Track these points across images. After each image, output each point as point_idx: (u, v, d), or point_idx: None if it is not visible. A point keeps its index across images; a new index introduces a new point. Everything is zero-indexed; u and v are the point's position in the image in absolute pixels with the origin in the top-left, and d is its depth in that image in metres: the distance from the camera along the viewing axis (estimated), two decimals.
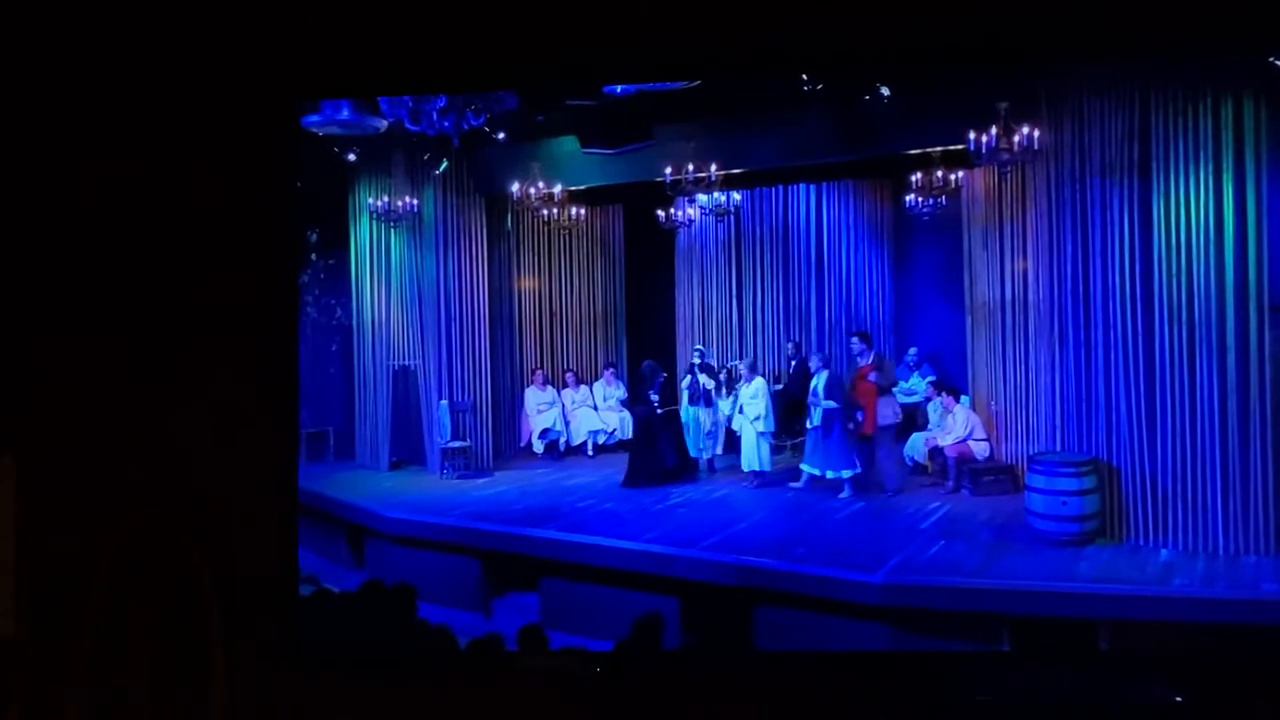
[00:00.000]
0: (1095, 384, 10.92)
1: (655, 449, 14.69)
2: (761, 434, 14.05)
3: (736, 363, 15.88)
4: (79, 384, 8.44)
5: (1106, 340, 10.79)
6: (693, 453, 15.06)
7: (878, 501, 12.86)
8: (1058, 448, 11.48)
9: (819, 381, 13.66)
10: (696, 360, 15.52)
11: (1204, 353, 10.15)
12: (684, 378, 15.23)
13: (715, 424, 15.49)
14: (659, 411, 14.74)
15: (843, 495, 13.30)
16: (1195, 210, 10.16)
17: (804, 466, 14.08)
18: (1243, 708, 7.92)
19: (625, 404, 14.86)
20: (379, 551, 13.36)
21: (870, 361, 13.48)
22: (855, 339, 14.00)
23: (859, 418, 13.59)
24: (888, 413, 13.28)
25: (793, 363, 14.91)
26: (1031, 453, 11.94)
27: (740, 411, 14.39)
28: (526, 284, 17.62)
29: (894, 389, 13.60)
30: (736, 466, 14.57)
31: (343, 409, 17.13)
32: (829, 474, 13.53)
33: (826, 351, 15.80)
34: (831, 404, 13.46)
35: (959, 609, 9.60)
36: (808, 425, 13.85)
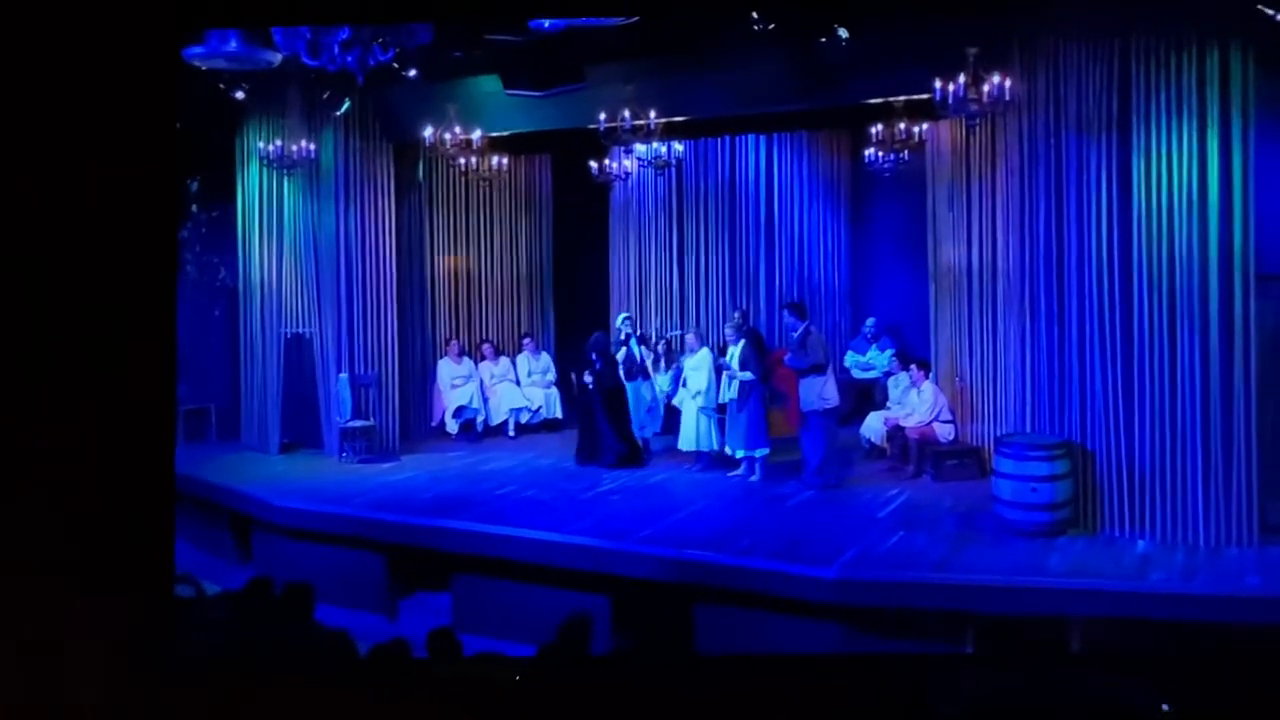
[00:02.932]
0: (1069, 359, 11.18)
1: (615, 424, 14.79)
2: (703, 409, 14.17)
3: (677, 332, 15.97)
4: None
5: (1081, 311, 11.06)
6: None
7: (830, 488, 13.02)
8: (1027, 429, 11.72)
9: (734, 351, 13.73)
10: (628, 330, 15.51)
11: (1185, 325, 10.49)
12: (618, 349, 15.25)
13: (654, 400, 15.51)
14: (601, 386, 14.82)
15: (753, 479, 13.55)
16: (1178, 169, 10.46)
17: (682, 445, 14.37)
18: (1229, 713, 8.01)
19: (578, 376, 14.90)
20: (268, 545, 13.44)
21: (797, 336, 13.39)
22: (787, 310, 13.98)
23: (785, 405, 13.73)
24: (812, 396, 13.12)
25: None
26: (999, 434, 12.12)
27: (683, 385, 14.49)
28: (440, 242, 17.50)
29: (823, 370, 13.28)
30: (676, 447, 14.66)
31: (227, 382, 17.16)
32: (740, 453, 13.74)
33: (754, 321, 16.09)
34: (747, 375, 13.54)
35: (919, 606, 9.87)
36: (722, 399, 14.02)
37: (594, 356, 14.80)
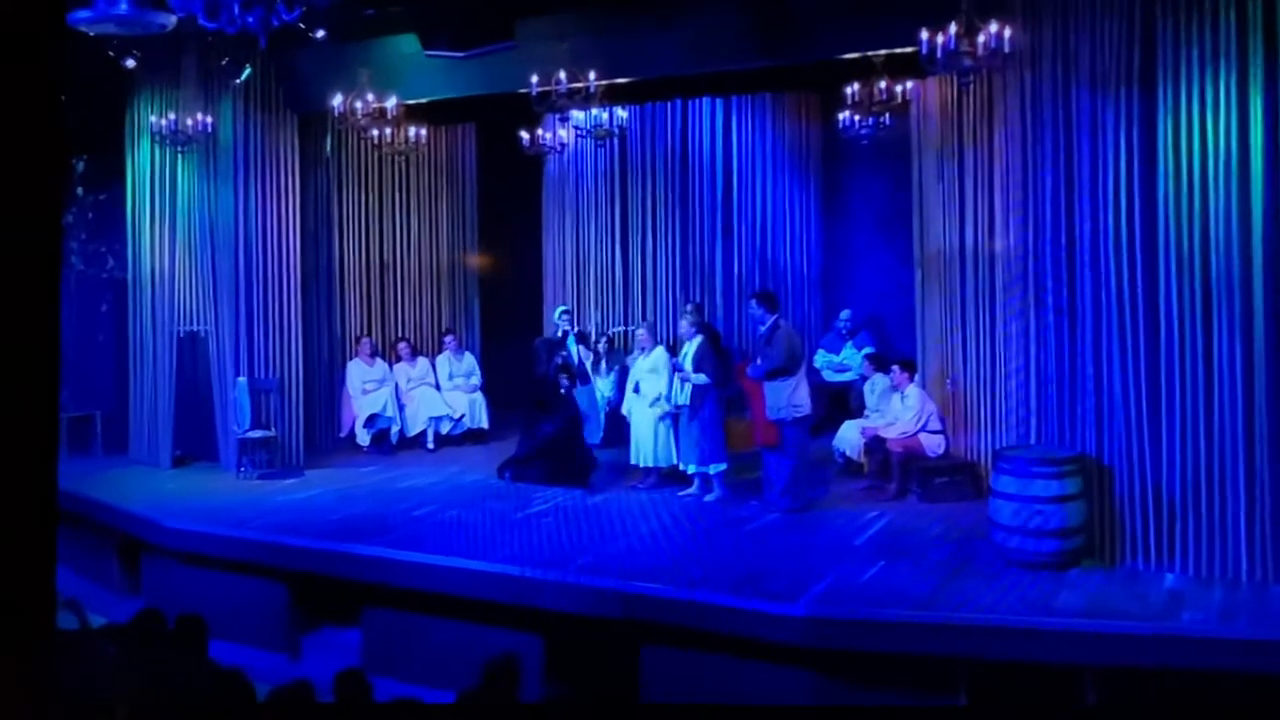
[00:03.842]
0: (1082, 359, 10.46)
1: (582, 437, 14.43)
2: (664, 417, 13.58)
3: (620, 328, 15.61)
4: None
5: (1097, 301, 10.32)
6: None
7: (798, 510, 12.43)
8: (1032, 440, 11.07)
9: (689, 349, 13.20)
10: (566, 326, 15.16)
11: (1224, 318, 9.70)
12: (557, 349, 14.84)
13: (594, 407, 15.20)
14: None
15: (709, 497, 13.02)
16: (1213, 132, 9.66)
17: (636, 459, 13.80)
18: None
19: (553, 377, 14.57)
20: (158, 572, 12.98)
21: (764, 331, 12.77)
22: (753, 301, 13.32)
23: (748, 416, 13.11)
24: (780, 402, 12.47)
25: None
26: (998, 447, 11.59)
27: (635, 390, 13.91)
28: (350, 226, 17.25)
29: (793, 371, 12.71)
30: (621, 463, 14.23)
31: (113, 387, 16.84)
32: (691, 468, 13.20)
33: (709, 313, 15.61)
34: (701, 378, 12.95)
35: (902, 650, 9.18)
36: (672, 404, 13.48)
37: (560, 357, 14.39)
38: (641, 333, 14.29)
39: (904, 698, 9.25)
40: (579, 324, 15.94)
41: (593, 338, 16.04)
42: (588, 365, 15.27)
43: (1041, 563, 10.11)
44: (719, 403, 13.07)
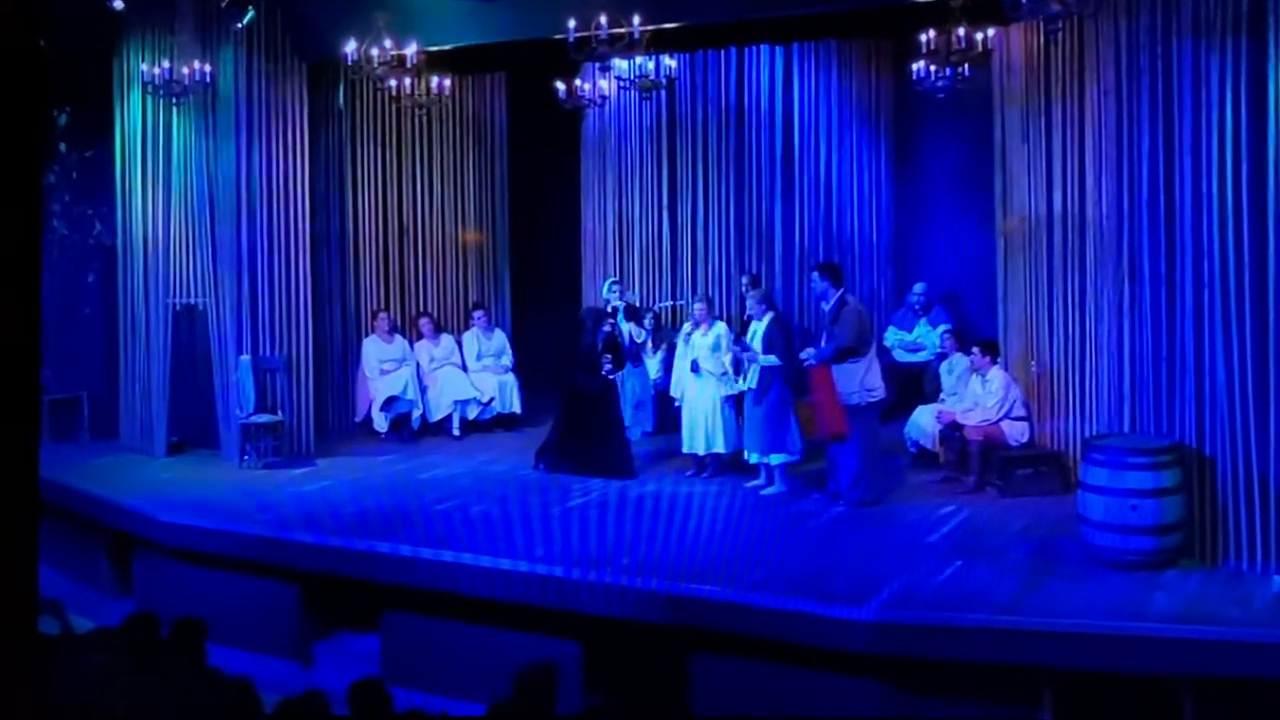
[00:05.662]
0: (1181, 337, 10.51)
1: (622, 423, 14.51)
2: (728, 398, 13.72)
3: (668, 303, 15.71)
4: None
5: (1198, 274, 10.35)
6: None
7: (868, 504, 12.52)
8: (1126, 428, 11.13)
9: (757, 329, 13.31)
10: (616, 301, 15.18)
11: None
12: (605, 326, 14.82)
13: (645, 390, 15.28)
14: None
15: (768, 490, 13.13)
16: None
17: (687, 446, 13.92)
18: None
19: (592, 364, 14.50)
20: (153, 571, 13.16)
21: (829, 308, 12.85)
22: (815, 274, 13.43)
23: (810, 398, 13.11)
24: (853, 386, 12.55)
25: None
26: (1088, 435, 11.62)
27: (694, 370, 13.99)
28: (366, 188, 17.20)
29: (863, 352, 12.77)
30: (669, 450, 14.34)
31: (102, 367, 16.97)
32: (753, 457, 13.31)
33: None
34: (772, 359, 13.07)
35: (981, 659, 9.29)
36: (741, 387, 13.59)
37: (608, 326, 14.45)
38: (699, 307, 14.31)
39: (982, 711, 9.36)
40: (624, 297, 15.84)
41: (641, 312, 16.00)
42: (639, 345, 15.33)
43: (1135, 562, 10.16)
44: (787, 386, 13.16)
